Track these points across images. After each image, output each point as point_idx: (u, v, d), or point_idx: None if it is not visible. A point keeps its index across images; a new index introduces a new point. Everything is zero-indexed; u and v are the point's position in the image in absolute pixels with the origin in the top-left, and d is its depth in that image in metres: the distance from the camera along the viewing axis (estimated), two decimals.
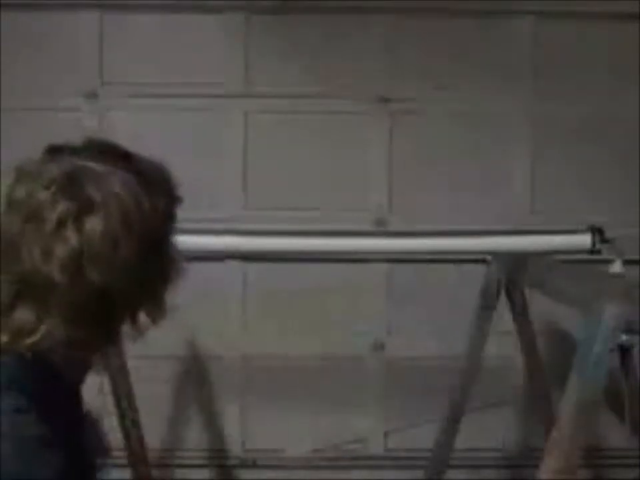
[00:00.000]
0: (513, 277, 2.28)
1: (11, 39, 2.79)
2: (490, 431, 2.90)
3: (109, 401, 2.38)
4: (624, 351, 1.35)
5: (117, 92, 2.87)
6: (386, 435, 2.98)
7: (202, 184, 2.81)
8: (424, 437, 2.73)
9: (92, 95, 2.86)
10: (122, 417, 2.36)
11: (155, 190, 0.90)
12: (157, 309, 0.94)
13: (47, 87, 2.83)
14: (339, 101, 2.90)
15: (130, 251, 0.86)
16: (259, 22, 2.89)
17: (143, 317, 0.93)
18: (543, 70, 2.91)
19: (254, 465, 2.96)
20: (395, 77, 2.91)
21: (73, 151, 0.89)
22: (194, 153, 2.83)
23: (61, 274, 0.83)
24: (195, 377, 2.94)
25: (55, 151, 0.90)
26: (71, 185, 0.85)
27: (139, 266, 0.87)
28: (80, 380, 0.98)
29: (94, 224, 0.84)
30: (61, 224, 0.83)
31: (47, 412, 0.86)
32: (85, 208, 0.84)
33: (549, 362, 2.54)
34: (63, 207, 0.83)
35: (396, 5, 2.89)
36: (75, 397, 0.97)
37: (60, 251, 0.83)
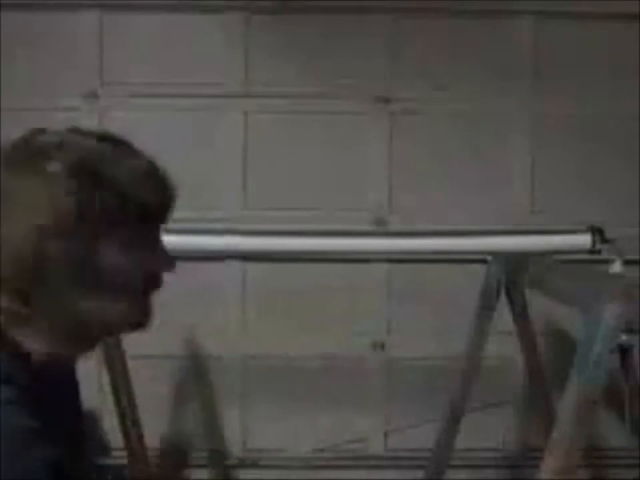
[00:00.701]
0: (512, 277, 2.28)
1: (10, 39, 2.79)
2: (490, 431, 2.90)
3: (109, 400, 2.38)
4: (624, 351, 1.35)
5: (117, 92, 2.87)
6: (386, 434, 2.98)
7: (202, 184, 2.81)
8: (424, 437, 2.73)
9: (92, 95, 2.86)
10: (122, 416, 2.36)
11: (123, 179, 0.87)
12: (135, 306, 0.92)
13: (47, 87, 2.83)
14: (339, 100, 2.90)
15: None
16: (258, 22, 2.89)
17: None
18: (543, 70, 2.91)
19: (254, 465, 2.96)
20: (395, 77, 2.91)
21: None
22: (194, 153, 2.83)
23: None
24: (194, 377, 2.94)
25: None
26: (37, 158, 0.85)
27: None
28: (66, 367, 0.97)
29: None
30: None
31: (38, 405, 0.85)
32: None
33: (549, 362, 2.54)
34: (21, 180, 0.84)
35: (396, 4, 2.89)
36: (66, 391, 0.96)
37: None
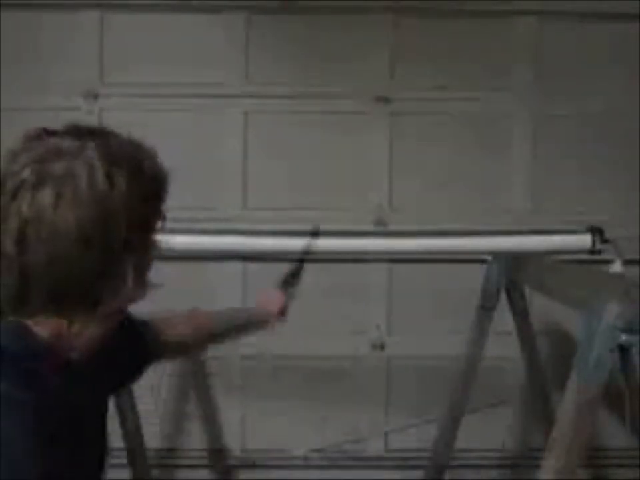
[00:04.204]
0: (512, 277, 2.28)
1: (10, 39, 2.79)
2: (490, 431, 2.90)
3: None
4: (624, 351, 1.35)
5: (117, 92, 2.87)
6: (386, 434, 2.98)
7: (202, 184, 2.81)
8: (424, 437, 2.73)
9: (92, 95, 2.86)
10: (122, 416, 2.36)
11: (125, 171, 0.89)
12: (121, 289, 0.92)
13: (47, 87, 2.83)
14: (338, 100, 2.90)
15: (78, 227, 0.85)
16: (258, 22, 2.89)
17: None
18: (544, 70, 2.91)
19: (254, 465, 2.96)
20: (395, 77, 2.91)
21: (52, 132, 0.91)
22: (194, 153, 2.83)
23: (12, 244, 0.83)
24: (195, 377, 2.94)
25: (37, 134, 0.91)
26: (39, 161, 0.86)
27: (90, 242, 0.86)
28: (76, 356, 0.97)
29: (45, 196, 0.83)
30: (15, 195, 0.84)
31: (30, 378, 0.88)
32: (40, 181, 0.84)
33: (549, 362, 2.54)
34: (21, 178, 0.84)
35: (396, 4, 2.89)
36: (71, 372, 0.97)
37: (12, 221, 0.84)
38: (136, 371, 1.23)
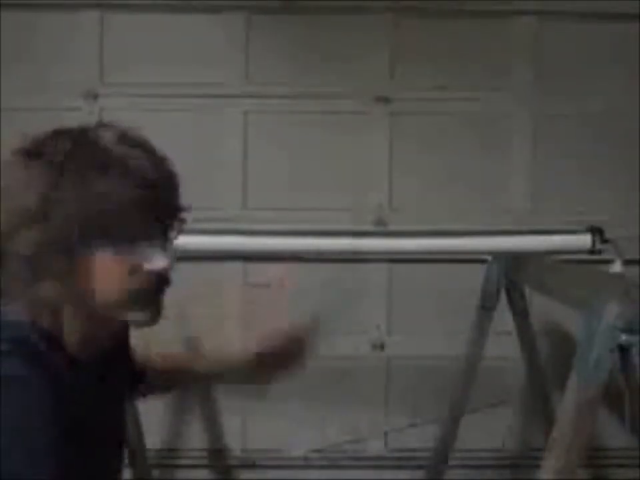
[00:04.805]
0: (513, 277, 2.28)
1: (10, 39, 2.79)
2: (490, 431, 2.90)
3: None
4: (624, 351, 1.35)
5: (117, 92, 2.87)
6: (386, 434, 2.98)
7: (202, 184, 2.81)
8: (424, 437, 2.73)
9: (92, 95, 2.86)
10: None
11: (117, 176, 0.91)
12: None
13: (47, 87, 2.83)
14: (338, 100, 2.90)
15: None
16: (259, 22, 2.89)
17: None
18: (544, 70, 2.91)
19: (254, 465, 2.96)
20: (395, 77, 2.91)
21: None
22: (194, 153, 2.83)
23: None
24: None
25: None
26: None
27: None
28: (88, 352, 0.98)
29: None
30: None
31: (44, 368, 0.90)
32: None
33: (549, 362, 2.54)
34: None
35: (396, 4, 2.89)
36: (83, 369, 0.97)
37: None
38: (131, 385, 1.23)
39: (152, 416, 2.57)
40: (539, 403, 2.46)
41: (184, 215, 0.99)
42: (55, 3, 2.84)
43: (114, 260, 0.90)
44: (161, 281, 0.95)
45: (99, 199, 0.88)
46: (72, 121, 0.97)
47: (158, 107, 2.85)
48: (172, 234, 0.97)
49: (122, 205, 0.89)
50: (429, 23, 2.89)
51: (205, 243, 2.21)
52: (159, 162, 0.96)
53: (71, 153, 0.91)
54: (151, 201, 0.92)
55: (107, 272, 0.90)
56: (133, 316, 0.95)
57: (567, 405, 1.39)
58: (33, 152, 0.90)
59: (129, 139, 0.96)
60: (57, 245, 0.87)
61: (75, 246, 0.88)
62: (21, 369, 0.86)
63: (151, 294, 0.95)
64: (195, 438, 2.95)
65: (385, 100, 2.91)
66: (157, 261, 0.93)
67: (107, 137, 0.94)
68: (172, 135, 2.79)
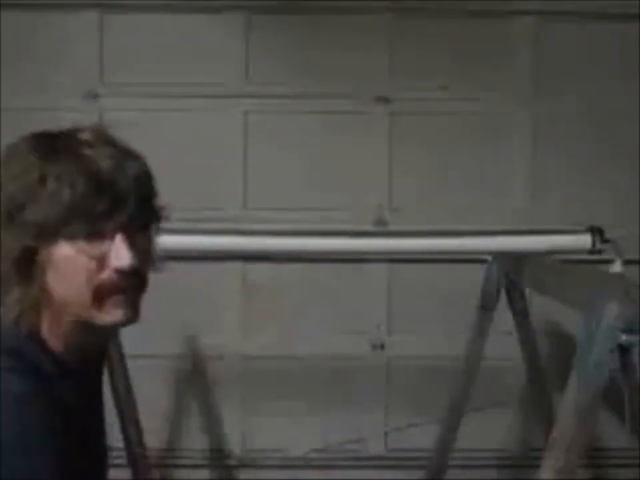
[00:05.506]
0: (513, 277, 2.28)
1: (10, 39, 2.79)
2: (490, 431, 2.90)
3: (109, 400, 2.38)
4: (624, 351, 1.35)
5: (117, 92, 2.87)
6: (386, 434, 2.98)
7: (202, 184, 2.81)
8: (424, 437, 2.73)
9: (92, 95, 2.86)
10: (122, 416, 2.36)
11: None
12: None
13: (47, 87, 2.83)
14: (338, 100, 2.90)
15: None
16: (258, 22, 2.89)
17: None
18: (543, 70, 2.91)
19: (254, 465, 2.96)
20: (395, 77, 2.91)
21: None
22: (194, 153, 2.83)
23: None
24: (194, 377, 2.94)
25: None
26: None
27: None
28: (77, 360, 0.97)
29: None
30: None
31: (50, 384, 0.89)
32: None
33: (549, 362, 2.54)
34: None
35: (396, 4, 2.89)
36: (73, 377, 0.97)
37: None
38: None
39: (152, 416, 2.57)
40: (538, 403, 2.46)
41: (158, 215, 0.98)
42: (55, 3, 2.84)
43: (74, 256, 0.90)
44: (129, 279, 0.93)
45: (50, 196, 0.88)
46: (72, 121, 0.97)
47: (158, 107, 2.85)
48: (149, 233, 0.96)
49: (74, 200, 0.88)
50: (429, 23, 2.89)
51: (205, 243, 2.21)
52: (126, 158, 0.96)
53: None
54: (109, 196, 0.91)
55: (68, 268, 0.91)
56: (107, 316, 0.94)
57: (567, 404, 1.38)
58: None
59: (102, 138, 0.96)
60: (17, 249, 0.89)
61: (35, 244, 0.89)
62: (18, 383, 0.87)
63: (118, 292, 0.93)
64: (195, 438, 2.95)
65: (385, 100, 2.91)
66: (119, 258, 0.92)
67: (82, 136, 0.94)
68: (172, 134, 2.81)
